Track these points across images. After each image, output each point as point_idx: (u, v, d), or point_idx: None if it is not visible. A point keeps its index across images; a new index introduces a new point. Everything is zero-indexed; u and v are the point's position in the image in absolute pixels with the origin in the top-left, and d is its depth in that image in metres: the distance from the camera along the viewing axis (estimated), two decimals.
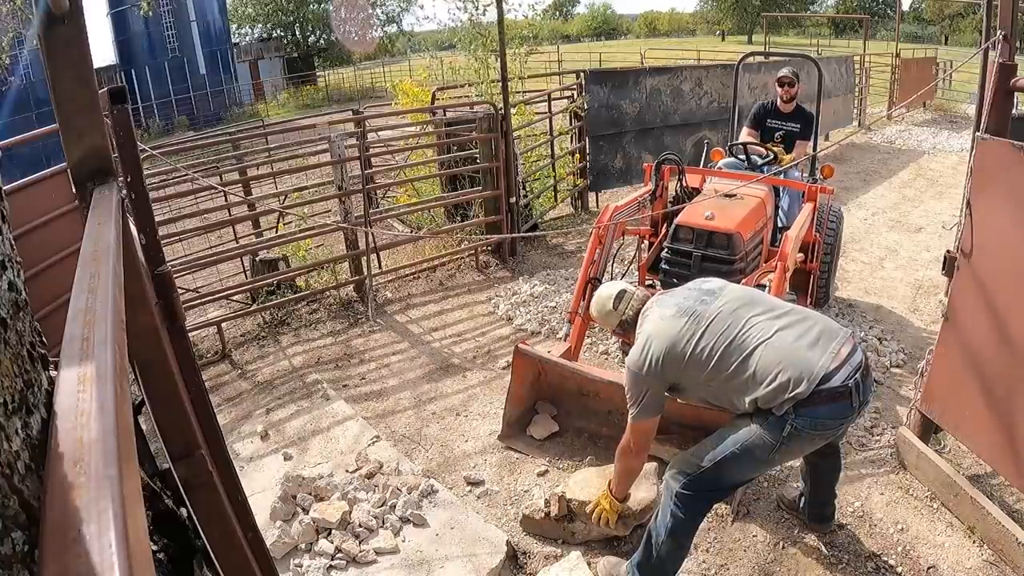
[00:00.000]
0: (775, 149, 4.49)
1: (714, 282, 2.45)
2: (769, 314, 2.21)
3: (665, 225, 4.08)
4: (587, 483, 2.79)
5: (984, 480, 2.91)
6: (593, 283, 3.52)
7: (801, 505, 2.75)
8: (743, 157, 4.65)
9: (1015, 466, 2.51)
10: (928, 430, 3.04)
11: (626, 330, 2.49)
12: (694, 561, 2.62)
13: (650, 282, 4.09)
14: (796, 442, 2.08)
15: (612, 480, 2.58)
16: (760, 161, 4.50)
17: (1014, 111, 2.89)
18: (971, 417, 2.73)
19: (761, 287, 3.40)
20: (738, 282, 3.38)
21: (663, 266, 3.73)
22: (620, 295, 2.52)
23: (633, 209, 4.04)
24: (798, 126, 4.67)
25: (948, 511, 2.78)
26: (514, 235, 5.85)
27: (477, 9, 7.05)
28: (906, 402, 3.56)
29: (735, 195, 3.88)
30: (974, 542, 2.61)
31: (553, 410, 3.48)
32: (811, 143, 4.70)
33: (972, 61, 3.26)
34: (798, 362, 2.05)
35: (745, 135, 4.84)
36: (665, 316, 2.26)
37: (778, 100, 4.74)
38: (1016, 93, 2.74)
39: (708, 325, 2.18)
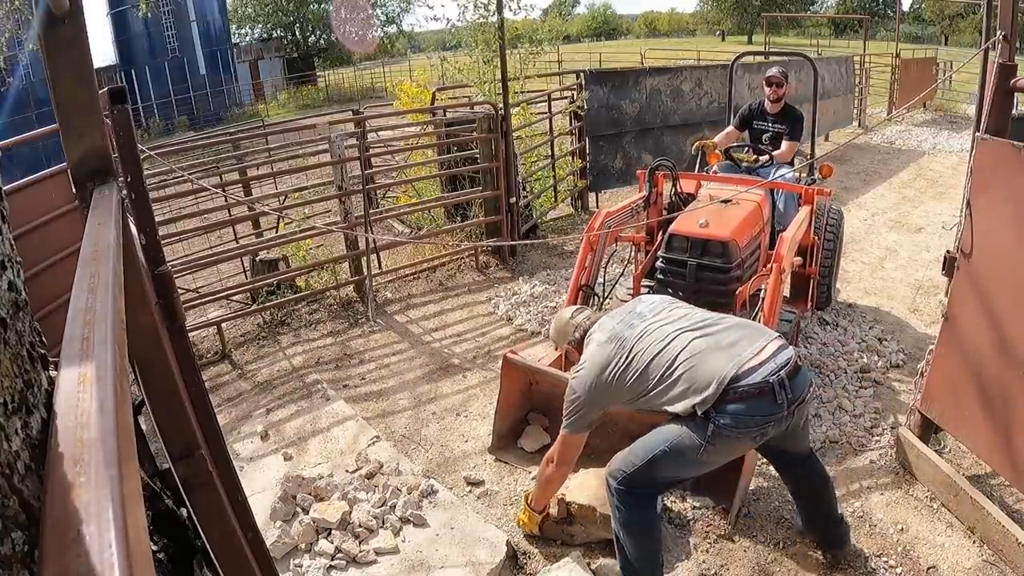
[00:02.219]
0: (759, 153, 4.43)
1: (647, 302, 2.49)
2: (691, 328, 2.27)
3: (660, 233, 4.02)
4: (586, 487, 2.79)
5: (984, 480, 2.91)
6: (585, 290, 3.47)
7: (806, 529, 2.69)
8: (738, 159, 4.61)
9: (1015, 466, 2.51)
10: (928, 430, 3.04)
11: (578, 347, 2.53)
12: (694, 561, 2.62)
13: (646, 291, 4.04)
14: (723, 441, 2.11)
15: (532, 491, 2.66)
16: (754, 165, 4.47)
17: (1014, 111, 2.89)
18: (971, 417, 2.73)
19: (758, 292, 3.38)
20: (735, 290, 3.36)
21: (658, 276, 3.68)
22: (576, 312, 2.62)
23: (626, 215, 3.97)
24: (785, 127, 4.56)
25: (948, 511, 2.78)
26: (512, 242, 5.83)
27: (486, 10, 7.04)
28: (906, 402, 3.56)
29: (730, 200, 3.83)
30: (974, 542, 2.61)
31: (545, 421, 3.41)
32: (801, 143, 4.62)
33: (972, 61, 3.26)
34: (711, 366, 2.11)
35: (724, 136, 4.76)
36: (600, 342, 2.36)
37: (766, 101, 4.63)
38: (1016, 93, 2.74)
39: (631, 349, 2.26)
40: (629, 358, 2.24)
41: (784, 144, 4.50)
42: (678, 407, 2.15)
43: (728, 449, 2.19)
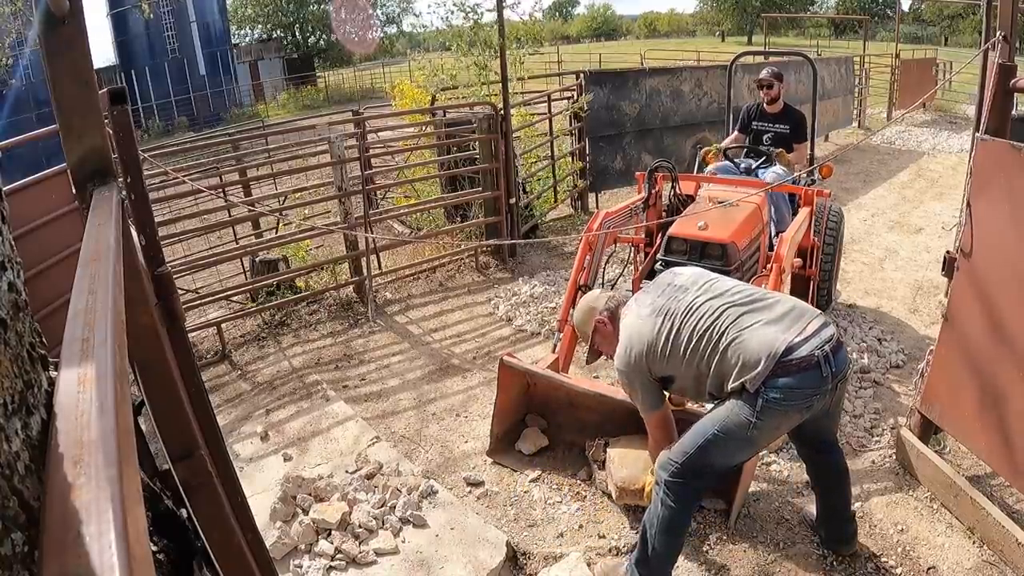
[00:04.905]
0: (769, 150, 4.43)
1: (685, 275, 2.50)
2: (739, 302, 2.29)
3: (660, 234, 4.01)
4: (639, 459, 2.80)
5: (984, 480, 2.91)
6: (583, 290, 3.46)
7: (816, 524, 2.70)
8: (738, 161, 4.61)
9: (1015, 466, 2.51)
10: (928, 430, 3.04)
11: (612, 319, 2.53)
12: (694, 561, 2.62)
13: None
14: (771, 417, 2.12)
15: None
16: (753, 165, 4.46)
17: (1014, 111, 2.89)
18: (971, 417, 2.73)
19: None
20: None
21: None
22: (603, 293, 2.66)
23: (625, 216, 3.96)
24: (787, 128, 4.53)
25: (948, 511, 2.78)
26: (511, 241, 5.83)
27: (476, 14, 7.05)
28: (906, 402, 3.56)
29: (729, 202, 3.83)
30: (974, 542, 2.61)
31: (543, 423, 3.40)
32: (807, 144, 4.61)
33: (972, 62, 3.26)
34: (760, 341, 2.14)
35: (732, 140, 4.78)
36: (642, 315, 2.37)
37: (763, 102, 4.62)
38: (1016, 93, 2.74)
39: (682, 321, 2.28)
40: (679, 332, 2.25)
41: (795, 147, 4.49)
42: (729, 383, 2.17)
43: (776, 424, 2.19)
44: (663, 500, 2.28)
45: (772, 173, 4.31)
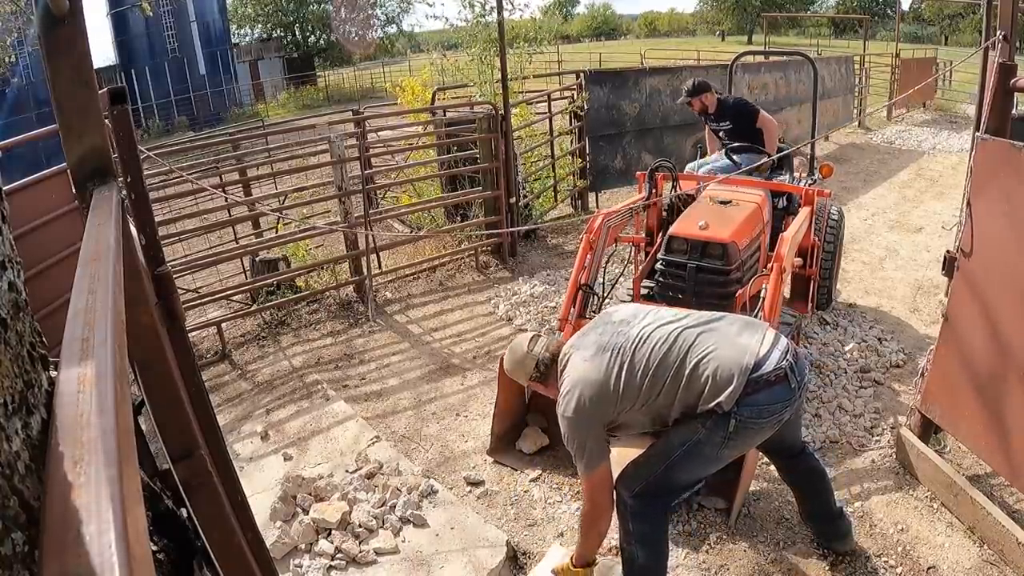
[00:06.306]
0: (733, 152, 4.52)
1: (623, 311, 2.38)
2: (690, 325, 2.21)
3: (660, 234, 4.02)
4: (628, 456, 2.75)
5: (984, 480, 2.91)
6: (584, 289, 3.46)
7: (804, 521, 2.70)
8: (737, 159, 4.62)
9: (1014, 466, 2.51)
10: (928, 430, 3.04)
11: (545, 375, 2.34)
12: (694, 561, 2.62)
13: (645, 291, 4.03)
14: (743, 434, 2.09)
15: (577, 548, 2.39)
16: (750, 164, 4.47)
17: (1014, 111, 2.89)
18: (971, 417, 2.73)
19: (758, 294, 3.37)
20: (735, 292, 3.36)
21: (658, 278, 3.67)
22: (534, 338, 2.43)
23: (625, 215, 3.97)
24: (729, 123, 4.65)
25: (948, 511, 2.78)
26: (512, 229, 5.83)
27: (483, 8, 7.05)
28: (906, 402, 3.56)
29: (730, 201, 3.83)
30: (974, 542, 2.61)
31: (543, 422, 3.41)
32: (762, 112, 4.60)
33: (972, 61, 3.26)
34: (727, 357, 2.07)
35: (709, 139, 4.97)
36: (587, 357, 2.20)
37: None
38: (1016, 93, 2.74)
39: (633, 353, 2.14)
40: (632, 364, 2.12)
41: (756, 125, 4.53)
42: (701, 405, 2.07)
43: (749, 440, 2.16)
44: (631, 520, 2.20)
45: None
